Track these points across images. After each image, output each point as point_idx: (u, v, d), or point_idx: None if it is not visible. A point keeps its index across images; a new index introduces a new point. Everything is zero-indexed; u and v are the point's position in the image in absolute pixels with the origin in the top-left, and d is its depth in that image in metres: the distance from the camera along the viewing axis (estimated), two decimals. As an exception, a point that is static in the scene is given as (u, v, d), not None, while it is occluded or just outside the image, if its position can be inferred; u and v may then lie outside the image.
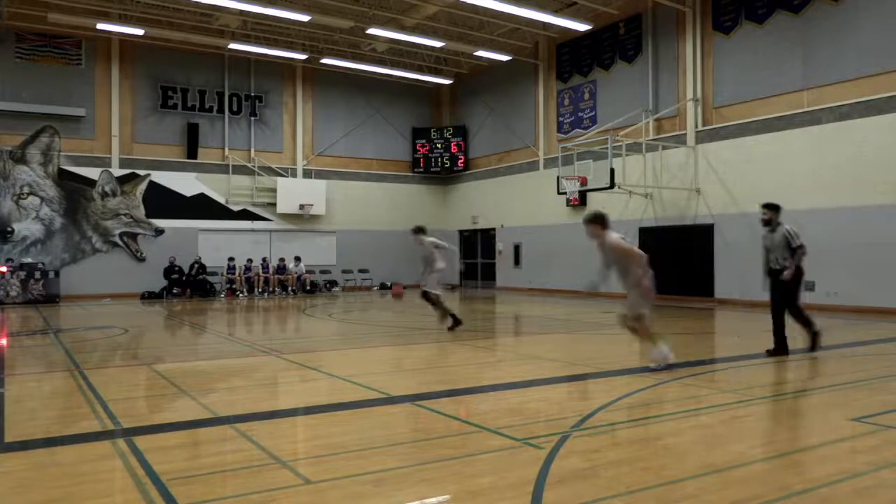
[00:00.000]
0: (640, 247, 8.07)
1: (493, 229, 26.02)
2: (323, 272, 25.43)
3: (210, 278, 23.13)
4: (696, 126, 18.88)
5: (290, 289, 24.20)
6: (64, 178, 21.86)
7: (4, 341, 11.76)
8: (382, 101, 27.09)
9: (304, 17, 19.93)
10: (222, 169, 24.22)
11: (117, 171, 22.64)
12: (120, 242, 22.53)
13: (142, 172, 22.93)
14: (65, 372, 8.37)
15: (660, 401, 6.47)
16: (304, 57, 24.11)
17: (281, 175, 25.19)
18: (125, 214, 22.70)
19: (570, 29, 21.10)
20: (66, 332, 12.92)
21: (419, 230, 12.40)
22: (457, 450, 4.87)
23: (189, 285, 22.59)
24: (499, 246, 25.47)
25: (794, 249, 8.50)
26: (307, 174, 25.75)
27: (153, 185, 23.05)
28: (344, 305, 19.86)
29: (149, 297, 21.86)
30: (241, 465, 4.51)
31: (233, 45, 22.62)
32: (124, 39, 22.33)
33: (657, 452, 4.77)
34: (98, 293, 21.27)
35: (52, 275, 20.60)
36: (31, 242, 21.31)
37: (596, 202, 20.89)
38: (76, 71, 22.12)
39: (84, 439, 5.23)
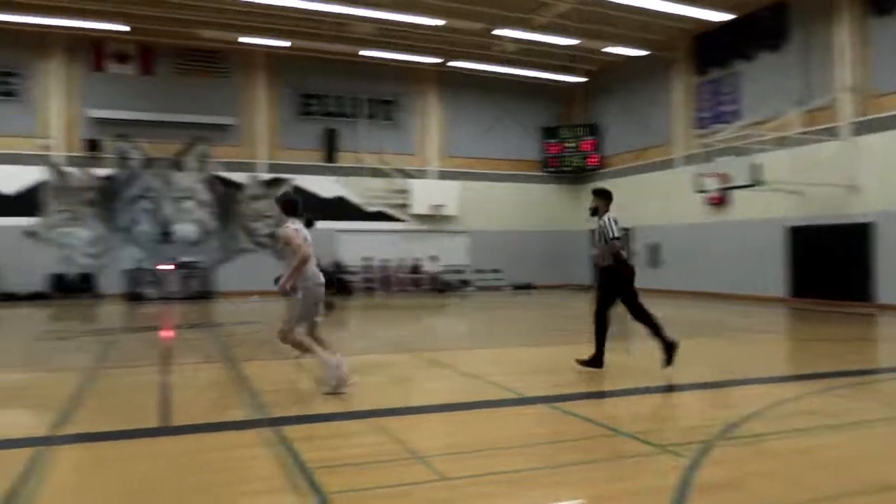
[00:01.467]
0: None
1: (627, 229, 25.36)
2: (456, 272, 25.79)
3: (348, 277, 24.06)
4: (852, 117, 17.52)
5: (423, 288, 24.74)
6: (216, 183, 23.46)
7: (169, 333, 12.78)
8: (512, 101, 27.10)
9: (438, 22, 20.31)
10: (358, 172, 25.11)
11: (263, 176, 24.02)
12: (265, 243, 23.87)
13: (285, 176, 24.20)
14: (219, 363, 8.99)
15: (811, 411, 6.06)
16: (436, 61, 24.55)
17: (414, 177, 25.77)
18: (270, 216, 24.03)
19: (707, 20, 20.19)
20: (220, 326, 13.86)
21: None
22: (592, 453, 4.80)
23: (329, 283, 23.56)
24: (635, 246, 24.79)
25: None
26: (439, 175, 26.21)
27: (295, 189, 24.26)
28: (476, 305, 20.04)
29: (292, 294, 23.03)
30: (379, 457, 4.67)
31: (368, 52, 23.41)
32: (268, 51, 23.66)
33: (810, 467, 4.48)
34: (247, 290, 22.64)
35: (207, 272, 22.19)
36: (189, 243, 23.02)
37: (740, 200, 19.89)
38: (225, 82, 23.70)
39: (237, 427, 5.60)
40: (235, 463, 4.68)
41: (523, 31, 21.31)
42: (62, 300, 20.79)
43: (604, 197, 7.96)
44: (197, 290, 21.79)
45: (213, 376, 8.24)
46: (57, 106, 21.94)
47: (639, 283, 7.93)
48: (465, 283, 25.57)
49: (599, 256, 7.83)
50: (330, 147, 24.81)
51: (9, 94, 21.56)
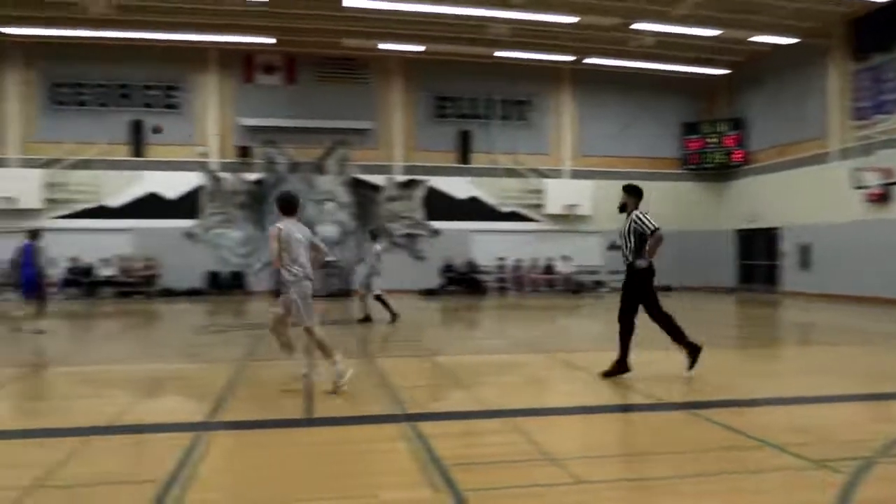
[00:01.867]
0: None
1: (774, 229, 23.91)
2: (590, 273, 25.34)
3: (481, 277, 24.25)
4: None
5: (557, 288, 24.50)
6: (355, 186, 24.35)
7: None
8: (650, 96, 26.26)
9: (573, 19, 20.04)
10: (492, 172, 25.22)
11: (399, 178, 24.68)
12: (402, 243, 24.51)
13: (420, 178, 24.74)
14: (359, 359, 9.31)
15: None
16: (570, 58, 24.24)
17: (548, 176, 25.57)
18: (406, 217, 24.66)
19: (866, 1, 18.63)
20: (358, 322, 14.34)
21: None
22: (737, 464, 4.56)
23: (462, 283, 23.92)
24: (784, 246, 23.33)
25: None
26: (573, 175, 25.85)
27: (430, 190, 24.74)
28: (611, 306, 19.56)
29: (427, 293, 23.51)
30: (514, 457, 4.67)
31: (502, 53, 23.48)
32: (404, 57, 24.29)
33: None
34: (384, 289, 23.31)
35: (346, 271, 23.10)
36: (330, 243, 24.04)
37: (903, 196, 18.25)
38: (364, 88, 24.56)
39: (375, 420, 5.78)
40: (374, 456, 4.83)
41: (662, 24, 20.60)
42: (216, 296, 22.34)
43: (634, 193, 7.77)
44: (337, 288, 22.71)
45: (351, 370, 8.53)
46: (212, 116, 23.61)
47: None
48: (599, 284, 25.07)
49: (633, 253, 7.48)
50: (464, 148, 25.10)
51: (171, 106, 23.46)
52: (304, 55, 23.88)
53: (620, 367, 7.48)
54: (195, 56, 23.28)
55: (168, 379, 7.86)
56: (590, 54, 24.01)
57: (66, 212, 22.59)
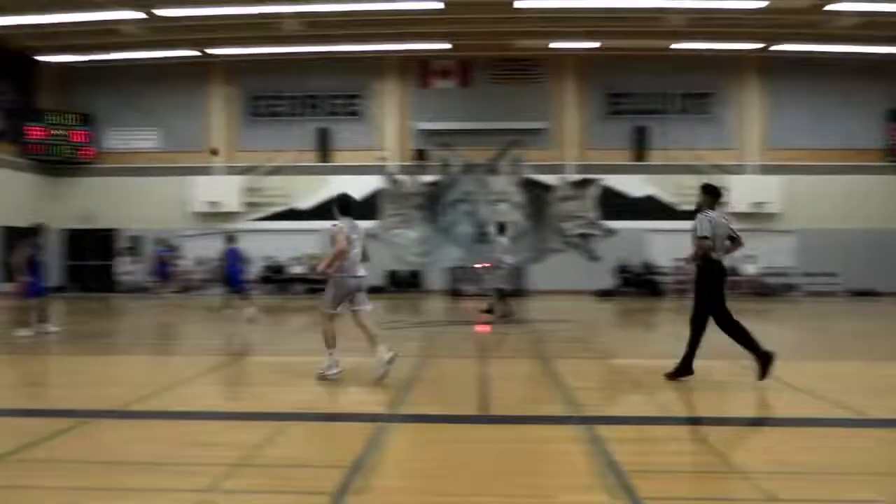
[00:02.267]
0: None
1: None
2: (780, 275, 23.58)
3: (658, 278, 23.36)
4: None
5: (741, 291, 23.02)
6: (527, 186, 24.36)
7: (485, 328, 13.61)
8: (849, 82, 23.91)
9: (760, 4, 18.75)
10: (669, 169, 24.21)
11: (572, 177, 24.36)
12: (575, 243, 24.18)
13: (594, 177, 24.25)
14: (532, 359, 9.32)
15: None
16: (756, 46, 22.69)
17: (732, 172, 24.11)
18: (580, 217, 24.28)
19: None
20: (532, 323, 14.38)
21: None
22: (960, 491, 4.04)
23: (638, 284, 23.17)
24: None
25: None
26: (760, 170, 24.18)
27: (604, 189, 24.19)
28: (805, 311, 18.14)
29: (602, 294, 23.03)
30: (697, 467, 4.45)
31: (680, 45, 22.46)
32: (577, 54, 23.97)
33: None
34: (557, 289, 23.15)
35: (519, 271, 23.17)
36: (502, 243, 24.21)
37: None
38: (537, 88, 24.53)
39: (549, 421, 5.75)
40: (549, 456, 4.81)
41: (864, 2, 18.72)
42: (395, 294, 23.31)
43: (708, 193, 7.63)
44: (510, 288, 22.83)
45: (526, 371, 8.56)
46: (391, 121, 24.68)
47: None
48: (790, 287, 23.25)
49: (692, 256, 7.32)
50: (639, 145, 24.31)
51: (353, 113, 24.83)
52: (478, 58, 24.29)
53: (684, 370, 7.28)
54: (375, 65, 24.46)
55: (351, 370, 8.30)
56: (779, 40, 22.34)
57: (261, 214, 24.63)
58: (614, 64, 24.09)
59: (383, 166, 24.50)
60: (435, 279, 23.90)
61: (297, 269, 24.05)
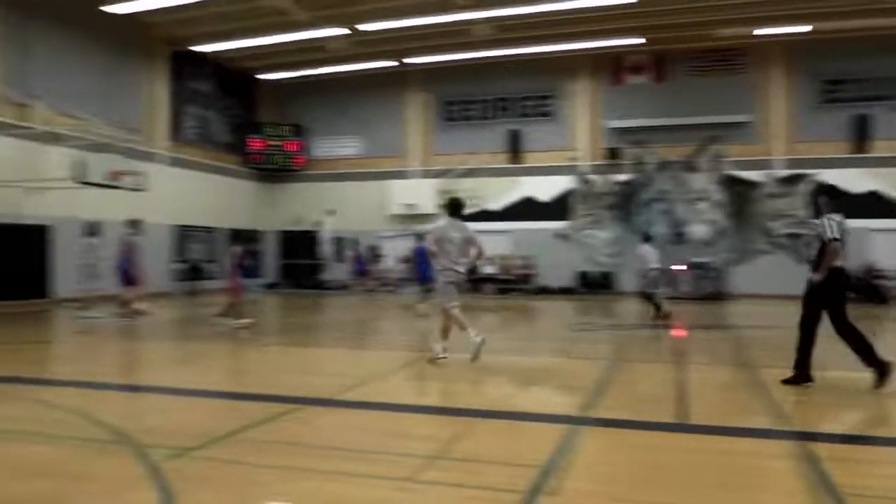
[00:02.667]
0: None
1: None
2: None
3: (884, 283, 20.96)
4: None
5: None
6: (729, 183, 22.94)
7: (681, 332, 13.02)
8: None
9: None
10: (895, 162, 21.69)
11: (780, 173, 22.59)
12: (783, 244, 22.42)
13: (805, 172, 22.32)
14: (733, 366, 8.76)
15: None
16: None
17: (974, 163, 21.11)
18: (789, 215, 22.48)
19: None
20: (733, 328, 13.52)
21: None
22: None
23: (858, 290, 20.90)
24: None
25: None
26: None
27: (818, 185, 22.16)
28: None
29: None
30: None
31: (910, 21, 20.04)
32: (785, 40, 22.16)
33: None
34: (761, 293, 21.60)
35: (719, 273, 21.89)
36: (701, 243, 23.06)
37: None
38: (740, 79, 23.01)
39: (755, 434, 5.37)
40: (755, 471, 4.49)
41: None
42: (586, 295, 22.98)
43: (827, 195, 7.56)
44: (709, 291, 21.65)
45: (726, 379, 8.07)
46: (582, 120, 24.36)
47: None
48: None
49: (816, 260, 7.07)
50: (860, 135, 22.00)
51: (544, 114, 24.84)
52: (674, 51, 23.30)
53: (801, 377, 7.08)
54: (567, 64, 24.28)
55: (542, 371, 8.31)
56: None
57: (455, 216, 25.36)
58: (829, 48, 22.01)
59: (574, 166, 24.28)
60: (627, 281, 23.24)
61: (489, 270, 24.50)
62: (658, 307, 14.77)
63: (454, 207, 8.86)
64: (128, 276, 13.94)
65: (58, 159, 16.72)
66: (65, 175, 16.23)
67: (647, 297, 14.93)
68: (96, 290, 14.70)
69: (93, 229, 16.00)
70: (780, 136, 22.68)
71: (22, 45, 17.96)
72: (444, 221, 8.69)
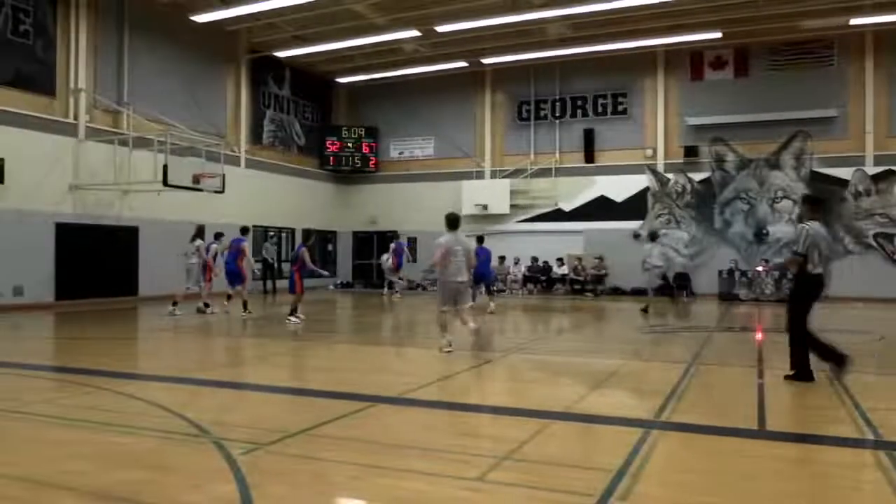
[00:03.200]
0: None
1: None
2: None
3: None
4: None
5: None
6: (815, 181, 22.03)
7: (760, 336, 12.60)
8: None
9: None
10: None
11: (871, 170, 21.53)
12: (874, 244, 21.38)
13: (897, 168, 21.23)
14: (817, 372, 8.41)
15: None
16: None
17: None
18: (880, 214, 21.42)
19: None
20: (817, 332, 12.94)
21: None
22: None
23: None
24: None
25: None
26: None
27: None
28: None
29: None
30: None
31: None
32: (877, 30, 21.07)
33: None
34: (849, 296, 20.65)
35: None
36: (783, 244, 22.21)
37: None
38: (827, 72, 22.03)
39: (838, 443, 5.15)
40: (839, 482, 4.31)
41: None
42: (661, 297, 22.45)
43: (808, 202, 7.97)
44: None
45: (808, 385, 7.76)
46: (659, 118, 23.82)
47: None
48: None
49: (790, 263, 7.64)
50: (958, 129, 20.74)
51: (619, 112, 24.42)
52: (756, 45, 22.52)
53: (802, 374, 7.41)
54: (642, 61, 23.82)
55: (614, 374, 8.18)
56: None
57: (527, 216, 25.25)
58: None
59: (650, 165, 23.80)
60: (705, 282, 22.63)
61: (562, 270, 24.27)
62: (646, 309, 15.92)
63: (453, 223, 9.71)
64: (236, 276, 14.97)
65: (146, 163, 17.52)
66: (152, 178, 17.01)
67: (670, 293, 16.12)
68: (187, 289, 15.35)
69: (216, 234, 16.38)
70: (872, 131, 21.58)
71: (114, 55, 18.90)
72: (448, 236, 9.50)
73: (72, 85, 17.68)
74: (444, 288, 9.68)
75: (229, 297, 15.49)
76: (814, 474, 4.45)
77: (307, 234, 17.93)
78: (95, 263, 17.91)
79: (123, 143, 18.11)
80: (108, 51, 18.72)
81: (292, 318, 13.49)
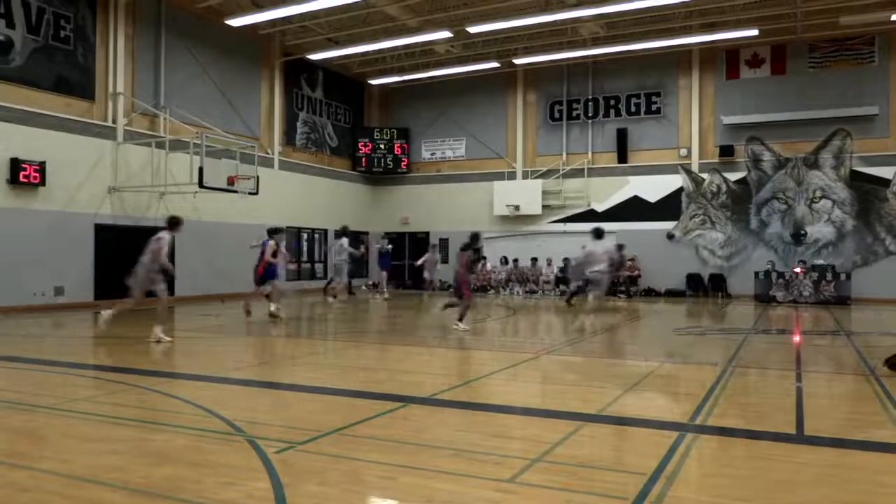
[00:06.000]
0: None
1: None
2: None
3: None
4: None
5: None
6: (855, 180, 21.56)
7: (798, 338, 12.37)
8: None
9: None
10: None
11: (913, 168, 21.00)
12: (918, 245, 20.85)
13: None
14: (857, 375, 8.24)
15: None
16: None
17: None
18: (922, 215, 20.87)
19: None
20: (858, 335, 12.70)
21: None
22: None
23: None
24: None
25: None
26: None
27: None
28: None
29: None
30: None
31: None
32: (922, 25, 20.58)
33: None
34: (890, 298, 20.19)
35: (843, 277, 20.58)
36: (822, 245, 21.79)
37: None
38: (868, 70, 21.54)
39: (879, 449, 5.03)
40: (880, 489, 4.21)
41: None
42: (695, 298, 22.20)
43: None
44: (830, 295, 20.39)
45: (849, 388, 7.61)
46: (693, 117, 23.51)
47: None
48: None
49: None
50: None
51: (652, 112, 24.16)
52: (793, 42, 22.11)
53: None
54: (676, 60, 23.56)
55: (648, 375, 8.10)
56: None
57: (559, 217, 25.10)
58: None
59: (684, 165, 23.52)
60: (740, 283, 22.29)
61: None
62: (570, 300, 16.13)
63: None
64: (268, 275, 15.18)
65: (182, 165, 17.81)
66: (188, 180, 17.28)
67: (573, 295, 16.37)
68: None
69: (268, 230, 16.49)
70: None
71: (151, 59, 19.24)
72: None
73: (111, 89, 18.04)
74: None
75: (267, 296, 15.61)
76: (853, 480, 4.34)
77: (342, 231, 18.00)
78: (133, 264, 18.15)
79: (160, 145, 18.44)
80: (146, 55, 19.07)
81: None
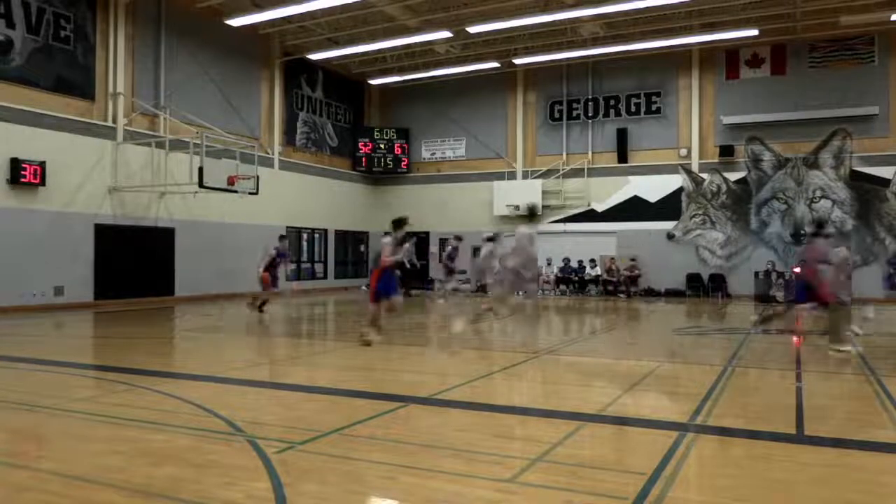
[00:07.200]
0: None
1: None
2: None
3: None
4: None
5: None
6: (855, 180, 21.56)
7: (799, 339, 12.35)
8: None
9: None
10: None
11: (913, 168, 21.00)
12: (917, 245, 20.85)
13: (941, 167, 20.67)
14: (858, 375, 8.24)
15: None
16: None
17: None
18: (921, 214, 20.88)
19: None
20: (857, 335, 12.68)
21: None
22: None
23: None
24: None
25: None
26: None
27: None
28: None
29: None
30: None
31: None
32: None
33: None
34: (891, 297, 20.19)
35: (842, 277, 20.50)
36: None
37: None
38: (868, 69, 21.53)
39: (880, 448, 5.04)
40: (880, 488, 4.21)
41: None
42: (694, 298, 22.19)
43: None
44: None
45: (850, 388, 7.61)
46: (693, 117, 23.51)
47: None
48: None
49: None
50: None
51: (652, 112, 24.15)
52: (793, 42, 22.10)
53: None
54: (676, 60, 23.55)
55: (648, 376, 8.10)
56: None
57: (560, 216, 25.10)
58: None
59: (684, 165, 23.52)
60: (740, 283, 22.30)
61: (594, 271, 24.09)
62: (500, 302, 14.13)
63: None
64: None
65: (182, 165, 17.82)
66: (188, 180, 17.28)
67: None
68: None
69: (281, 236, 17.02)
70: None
71: (151, 59, 19.24)
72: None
73: (111, 89, 18.03)
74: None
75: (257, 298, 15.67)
76: (853, 480, 4.35)
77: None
78: (133, 264, 18.24)
79: (160, 145, 18.45)
80: (146, 55, 19.06)
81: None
